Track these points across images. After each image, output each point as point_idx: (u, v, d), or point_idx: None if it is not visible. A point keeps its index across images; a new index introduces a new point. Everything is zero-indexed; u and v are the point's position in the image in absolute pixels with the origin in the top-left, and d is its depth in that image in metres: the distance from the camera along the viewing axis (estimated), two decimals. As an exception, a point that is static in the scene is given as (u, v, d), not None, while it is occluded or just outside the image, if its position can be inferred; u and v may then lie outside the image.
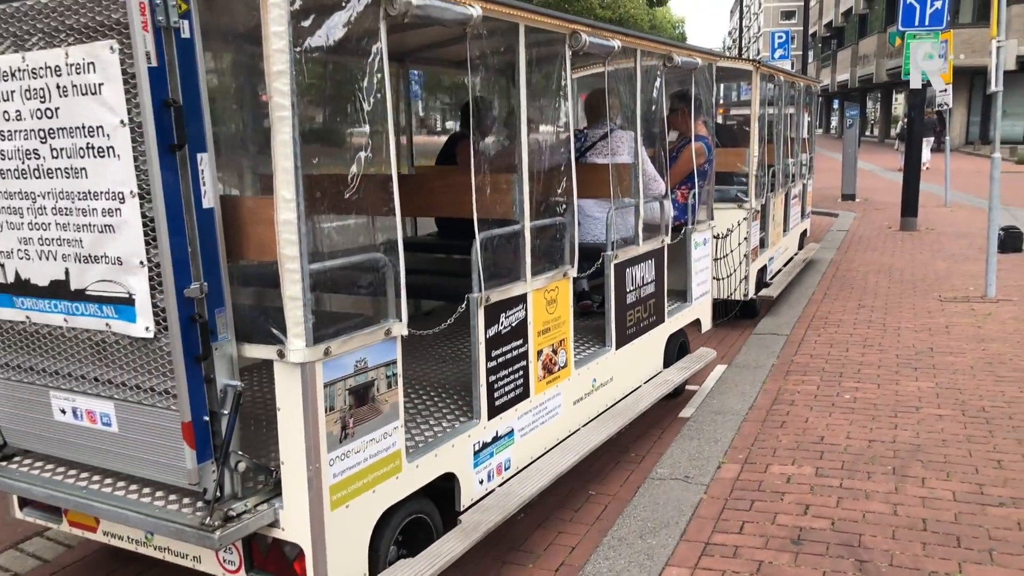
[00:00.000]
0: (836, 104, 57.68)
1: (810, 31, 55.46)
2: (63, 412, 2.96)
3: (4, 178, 2.80)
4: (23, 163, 2.73)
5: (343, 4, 2.69)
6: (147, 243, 2.54)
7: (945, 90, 15.33)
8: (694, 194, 5.85)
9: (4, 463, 3.19)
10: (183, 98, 2.45)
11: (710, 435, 4.82)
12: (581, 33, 3.96)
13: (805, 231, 11.07)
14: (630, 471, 4.50)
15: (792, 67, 29.26)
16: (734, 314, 7.57)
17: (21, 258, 2.86)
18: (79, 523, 3.32)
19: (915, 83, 8.07)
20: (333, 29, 2.69)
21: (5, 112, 2.71)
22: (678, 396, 5.68)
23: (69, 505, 3.02)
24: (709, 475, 4.29)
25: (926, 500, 3.97)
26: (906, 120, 32.58)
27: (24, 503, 3.47)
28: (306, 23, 2.59)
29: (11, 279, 2.91)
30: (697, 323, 6.00)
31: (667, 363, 5.46)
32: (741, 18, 50.73)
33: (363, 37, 2.79)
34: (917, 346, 6.58)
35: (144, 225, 2.52)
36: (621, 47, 4.37)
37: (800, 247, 10.52)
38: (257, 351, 2.71)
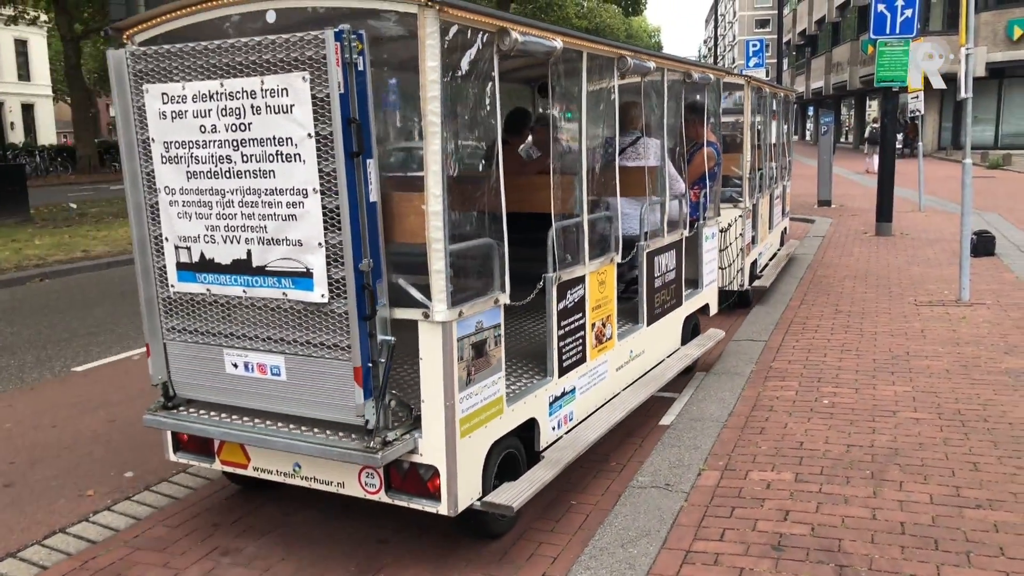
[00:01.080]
0: (811, 111, 58.24)
1: (784, 39, 56.02)
2: (235, 366, 3.64)
3: (197, 178, 3.50)
4: (215, 166, 3.44)
5: (472, 43, 3.47)
6: (325, 228, 3.25)
7: (917, 97, 15.56)
8: (705, 193, 6.58)
9: (174, 411, 3.87)
10: (359, 116, 3.14)
11: (690, 442, 4.83)
12: (627, 57, 4.80)
13: (785, 229, 11.79)
14: (611, 480, 4.50)
15: (767, 75, 29.53)
16: (731, 301, 8.13)
17: (207, 242, 3.56)
18: (231, 461, 3.92)
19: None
20: (464, 62, 3.46)
21: (202, 126, 3.42)
22: (690, 374, 6.23)
23: (248, 441, 3.64)
24: (689, 483, 4.30)
25: (904, 504, 4.00)
26: (875, 125, 33.07)
27: (177, 447, 4.10)
28: (449, 59, 3.29)
29: (195, 259, 3.61)
30: (706, 308, 6.76)
31: (683, 342, 6.22)
32: (716, 27, 51.22)
33: (483, 67, 3.56)
34: (894, 351, 6.64)
35: (323, 214, 3.24)
36: (655, 67, 5.25)
37: (781, 244, 11.26)
38: (405, 313, 3.40)
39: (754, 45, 19.83)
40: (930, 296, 8.58)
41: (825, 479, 4.31)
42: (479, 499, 3.63)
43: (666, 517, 3.91)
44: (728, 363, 6.44)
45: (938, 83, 7.41)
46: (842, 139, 47.35)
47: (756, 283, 8.70)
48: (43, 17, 39.00)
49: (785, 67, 59.95)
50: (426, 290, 3.34)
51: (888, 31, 11.68)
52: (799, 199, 18.79)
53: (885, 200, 13.12)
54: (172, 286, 3.73)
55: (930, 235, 12.94)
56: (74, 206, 19.74)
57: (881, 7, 11.66)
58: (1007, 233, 12.57)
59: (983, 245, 10.70)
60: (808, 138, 56.99)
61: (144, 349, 5.25)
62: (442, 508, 3.47)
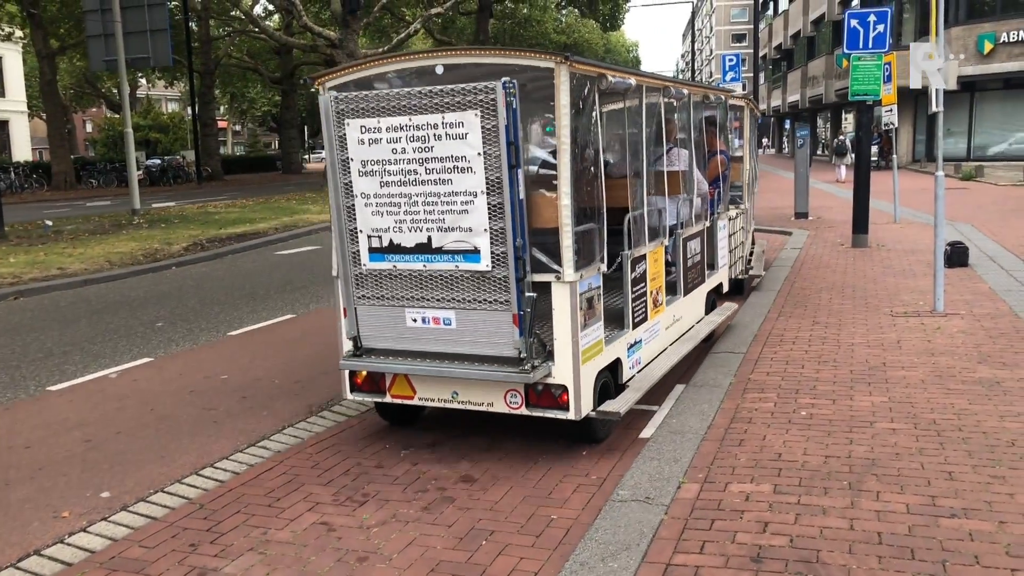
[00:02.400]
0: (788, 124, 58.86)
1: (761, 54, 56.67)
2: (414, 320, 4.92)
3: (388, 186, 4.76)
4: (404, 177, 4.71)
5: (584, 85, 4.89)
6: (489, 218, 4.54)
7: (891, 110, 15.78)
8: (718, 192, 8.06)
9: (362, 357, 5.08)
10: (514, 140, 4.39)
11: (670, 455, 4.85)
12: (671, 87, 6.44)
13: (754, 228, 13.29)
14: (591, 494, 4.51)
15: (744, 88, 29.83)
16: (730, 288, 8.97)
17: (395, 232, 4.82)
18: (399, 394, 5.16)
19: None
20: (580, 99, 4.86)
21: (394, 148, 4.68)
22: (710, 341, 7.41)
23: (436, 373, 4.88)
24: (669, 495, 4.31)
25: (881, 514, 4.03)
26: (840, 137, 33.58)
27: (353, 387, 5.30)
28: (572, 97, 4.67)
29: (385, 244, 4.87)
30: (719, 287, 8.19)
31: (706, 312, 7.62)
32: (693, 41, 51.67)
33: (591, 102, 5.01)
34: (870, 361, 6.70)
35: (488, 209, 4.53)
36: (688, 93, 6.85)
37: (752, 243, 12.42)
38: (542, 277, 4.69)
39: (730, 60, 20.02)
40: (906, 307, 8.68)
41: (803, 490, 4.34)
42: (594, 410, 4.96)
43: (646, 531, 3.92)
44: (707, 375, 6.47)
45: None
46: (819, 152, 47.87)
47: (752, 271, 10.29)
48: (18, 33, 38.71)
49: (762, 81, 60.69)
50: (557, 260, 4.68)
51: (861, 46, 11.85)
52: (777, 211, 18.96)
53: (861, 212, 13.27)
54: (364, 265, 4.97)
55: (905, 246, 13.10)
56: (50, 223, 19.55)
57: (854, 23, 11.83)
58: (980, 244, 12.75)
59: (957, 256, 10.84)
60: (785, 151, 57.52)
61: (117, 368, 6.00)
62: (570, 415, 4.78)
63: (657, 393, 6.16)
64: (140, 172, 33.45)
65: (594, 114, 5.03)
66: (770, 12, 61.52)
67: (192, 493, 4.76)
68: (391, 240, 4.84)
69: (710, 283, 7.77)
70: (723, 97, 8.00)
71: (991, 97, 32.27)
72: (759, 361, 6.84)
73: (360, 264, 4.98)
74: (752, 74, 39.44)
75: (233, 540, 4.14)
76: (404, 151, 4.65)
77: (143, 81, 57.93)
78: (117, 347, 8.37)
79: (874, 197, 14.38)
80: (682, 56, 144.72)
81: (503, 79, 4.37)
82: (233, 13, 41.61)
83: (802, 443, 5.00)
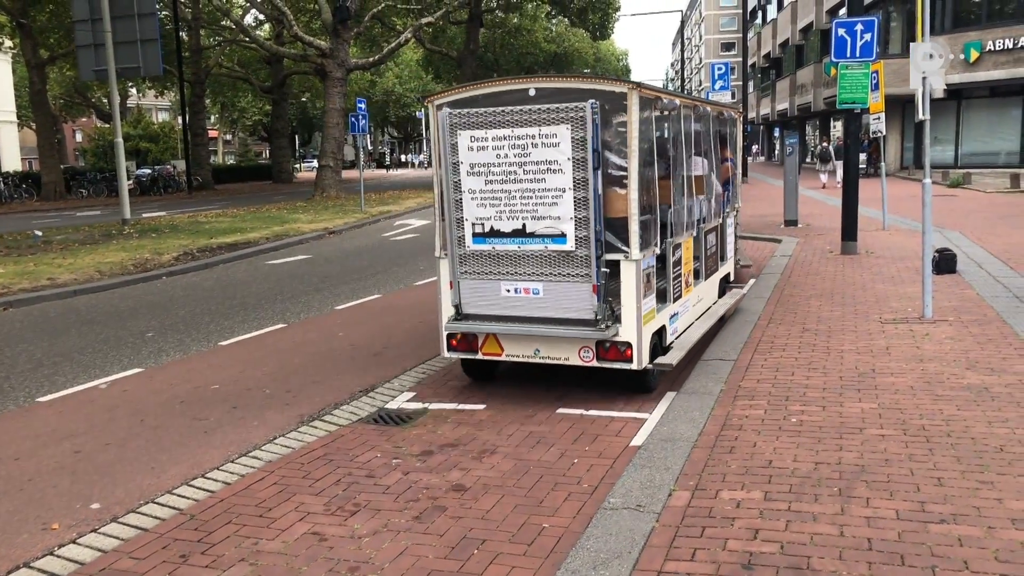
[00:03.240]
0: (777, 132, 59.14)
1: (749, 62, 56.95)
2: (508, 291, 6.10)
3: (492, 184, 5.97)
4: (505, 177, 5.94)
5: (647, 106, 6.11)
6: (575, 209, 5.76)
7: (878, 118, 15.88)
8: (728, 194, 9.40)
9: (462, 321, 6.25)
10: (596, 148, 5.64)
11: (661, 463, 4.86)
12: (698, 105, 7.87)
13: (728, 276, 14.69)
14: (582, 502, 4.51)
15: (733, 97, 30.00)
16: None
17: (495, 220, 6.03)
18: (490, 352, 6.33)
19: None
20: (644, 116, 6.02)
21: (498, 154, 5.92)
22: (724, 322, 8.45)
23: (525, 333, 6.09)
24: (661, 503, 4.32)
25: (871, 520, 4.05)
26: (823, 143, 34.25)
27: (449, 348, 6.46)
28: (640, 116, 5.89)
29: (487, 230, 6.07)
30: (728, 276, 9.62)
31: (719, 296, 9.03)
32: (683, 50, 51.89)
33: (649, 119, 6.23)
34: (860, 368, 6.74)
35: (574, 202, 5.76)
36: (710, 110, 8.34)
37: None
38: (612, 256, 5.90)
39: (719, 68, 20.12)
40: (894, 313, 8.72)
41: (794, 497, 4.36)
42: (651, 363, 6.24)
43: (637, 538, 3.93)
44: (698, 382, 6.49)
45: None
46: (808, 159, 48.10)
47: (740, 263, 11.58)
48: (8, 43, 38.61)
49: (751, 89, 61.03)
50: (626, 242, 5.90)
51: (848, 55, 11.93)
52: (766, 219, 19.04)
53: (850, 219, 13.34)
54: (468, 247, 6.17)
55: (894, 253, 13.18)
56: (39, 233, 19.47)
57: (841, 31, 11.91)
58: (968, 250, 12.84)
59: (945, 263, 10.91)
60: (775, 159, 57.80)
61: (107, 378, 6.52)
62: (633, 366, 5.96)
63: (647, 400, 6.18)
64: (130, 182, 33.36)
65: (651, 129, 6.26)
66: (759, 21, 61.87)
67: (182, 504, 4.74)
68: (492, 227, 6.08)
69: (722, 271, 9.21)
70: (733, 114, 9.78)
71: (978, 105, 32.51)
72: (749, 368, 6.87)
73: (465, 246, 6.19)
74: (741, 82, 39.67)
75: (224, 551, 4.12)
76: (506, 156, 5.93)
77: (133, 91, 57.78)
78: (107, 357, 8.34)
79: (863, 204, 14.47)
80: (672, 65, 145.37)
81: (590, 100, 5.59)
82: (224, 23, 41.58)
83: (792, 450, 5.02)
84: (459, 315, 6.25)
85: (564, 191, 5.78)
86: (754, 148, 67.47)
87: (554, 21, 56.06)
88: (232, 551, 4.11)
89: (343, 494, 4.75)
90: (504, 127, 5.86)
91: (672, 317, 6.87)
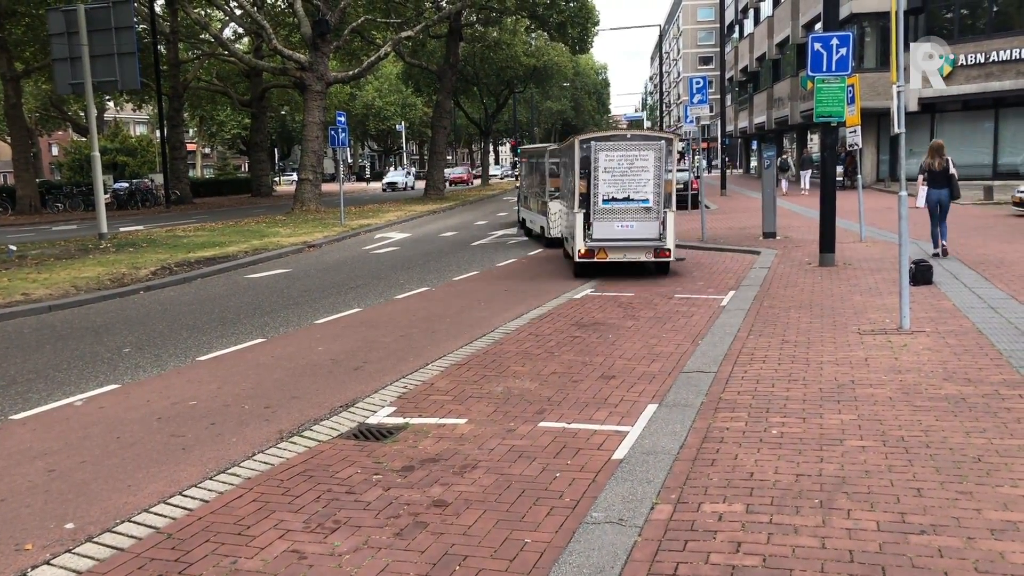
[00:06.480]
0: (755, 145, 59.69)
1: (727, 76, 57.51)
2: (619, 227, 13.23)
3: (613, 175, 13.18)
4: (623, 173, 13.22)
5: (671, 144, 14.11)
6: (654, 187, 13.20)
7: (854, 131, 16.07)
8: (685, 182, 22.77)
9: (594, 242, 13.35)
10: (666, 163, 13.85)
11: (643, 476, 4.85)
12: (672, 139, 14.31)
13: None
14: (564, 516, 4.49)
15: (712, 111, 30.23)
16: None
17: (615, 192, 13.22)
18: (601, 258, 13.27)
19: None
20: (672, 148, 14.37)
21: (619, 162, 13.18)
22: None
23: (623, 246, 13.27)
24: (643, 517, 4.31)
25: (852, 532, 4.06)
26: (784, 156, 36.16)
27: (578, 256, 13.42)
28: (672, 148, 14.24)
29: (609, 197, 13.21)
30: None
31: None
32: (661, 64, 52.24)
33: (671, 151, 14.13)
34: (839, 379, 6.78)
35: (653, 185, 13.21)
36: (669, 138, 14.08)
37: None
38: (666, 210, 13.50)
39: (697, 82, 20.27)
40: (872, 325, 8.79)
41: (775, 509, 4.36)
42: (676, 259, 13.65)
43: (620, 553, 3.91)
44: (679, 395, 6.50)
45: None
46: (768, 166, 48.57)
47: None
48: (-18, 56, 38.21)
49: (729, 103, 61.60)
50: (669, 205, 13.35)
51: (825, 69, 12.07)
52: (745, 231, 19.18)
53: (828, 231, 13.47)
54: (598, 206, 13.11)
55: (871, 265, 13.30)
56: (13, 248, 19.22)
57: (817, 46, 12.06)
58: (944, 262, 12.98)
59: (921, 274, 11.03)
60: (752, 172, 58.28)
61: (83, 395, 6.10)
62: (671, 259, 13.22)
63: (630, 413, 6.18)
64: (107, 196, 33.02)
65: (676, 154, 13.66)
66: (736, 35, 62.54)
67: (160, 522, 4.67)
68: (611, 195, 13.07)
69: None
70: (673, 138, 14.85)
71: (951, 118, 33.00)
72: (730, 380, 6.89)
73: (599, 205, 13.06)
74: (719, 96, 39.99)
75: (202, 570, 4.06)
76: (621, 163, 13.01)
77: (111, 104, 57.41)
78: (83, 374, 8.23)
79: (840, 216, 14.60)
80: (650, 78, 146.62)
81: (663, 139, 13.40)
82: (202, 36, 41.45)
83: (773, 462, 5.04)
84: (591, 239, 13.10)
85: (648, 180, 13.02)
86: (727, 160, 68.11)
87: (533, 35, 56.35)
88: (210, 570, 4.05)
89: (323, 511, 4.70)
90: (620, 150, 13.01)
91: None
